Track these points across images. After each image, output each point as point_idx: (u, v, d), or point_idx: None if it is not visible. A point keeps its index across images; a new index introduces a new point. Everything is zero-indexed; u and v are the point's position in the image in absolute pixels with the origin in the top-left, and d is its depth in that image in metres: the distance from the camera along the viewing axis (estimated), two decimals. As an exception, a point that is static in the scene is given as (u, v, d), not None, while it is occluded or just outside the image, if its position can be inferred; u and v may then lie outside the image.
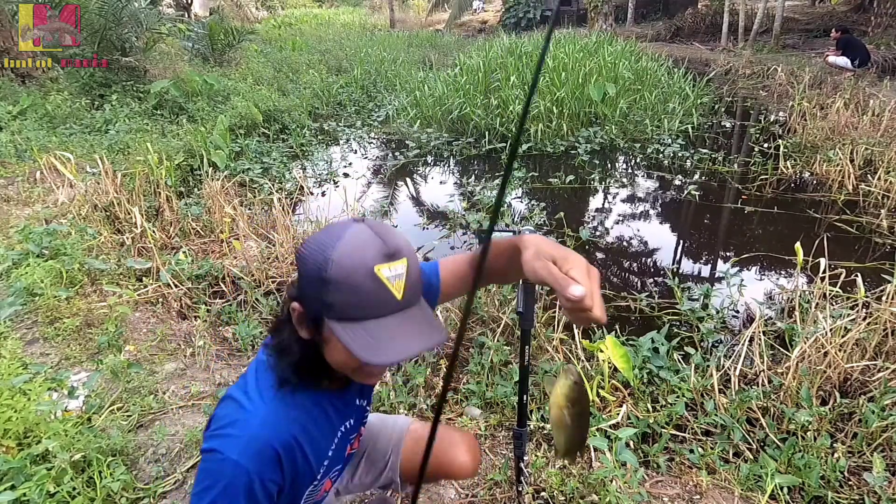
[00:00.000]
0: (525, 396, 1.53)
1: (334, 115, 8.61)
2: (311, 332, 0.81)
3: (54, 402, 2.06)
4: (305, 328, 0.82)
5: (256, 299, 3.19)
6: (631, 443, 2.10)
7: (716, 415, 2.21)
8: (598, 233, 4.50)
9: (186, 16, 16.25)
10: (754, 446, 2.12)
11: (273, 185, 4.82)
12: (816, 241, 3.57)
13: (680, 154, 6.14)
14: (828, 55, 9.33)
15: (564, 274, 0.68)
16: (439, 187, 5.80)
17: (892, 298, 2.60)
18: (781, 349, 2.66)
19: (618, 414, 2.21)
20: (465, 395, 2.43)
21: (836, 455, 1.99)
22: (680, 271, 3.95)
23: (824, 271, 2.74)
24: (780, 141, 6.00)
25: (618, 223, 4.81)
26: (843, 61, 8.96)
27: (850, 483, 1.96)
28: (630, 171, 6.20)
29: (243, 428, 0.86)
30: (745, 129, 7.42)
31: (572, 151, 6.43)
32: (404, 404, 2.32)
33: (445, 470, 1.29)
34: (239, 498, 0.82)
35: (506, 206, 4.86)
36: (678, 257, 4.23)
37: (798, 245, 2.73)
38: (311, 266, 0.75)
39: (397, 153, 6.73)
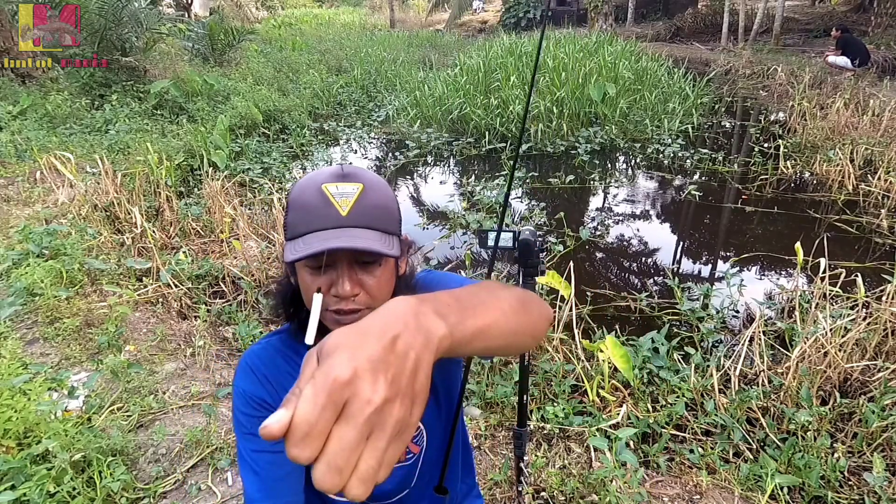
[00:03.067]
0: (525, 396, 1.53)
1: (334, 115, 8.61)
2: (290, 271, 0.83)
3: (54, 402, 2.06)
4: (288, 269, 0.84)
5: (256, 299, 3.19)
6: (631, 443, 2.10)
7: (716, 415, 2.21)
8: (598, 233, 4.50)
9: (186, 16, 16.24)
10: (754, 446, 2.12)
11: (273, 185, 4.82)
12: (816, 241, 3.57)
13: (680, 154, 6.14)
14: (828, 55, 9.34)
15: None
16: (439, 187, 5.80)
17: (892, 298, 2.60)
18: (781, 349, 2.66)
19: (618, 414, 2.21)
20: (465, 394, 2.43)
21: (836, 455, 1.99)
22: (680, 271, 3.95)
23: (824, 271, 2.74)
24: (780, 141, 6.00)
25: (618, 223, 4.81)
26: (843, 61, 8.96)
27: (850, 483, 1.96)
28: (630, 171, 6.20)
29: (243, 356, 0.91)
30: (745, 129, 7.42)
31: (572, 151, 6.43)
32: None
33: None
34: (238, 417, 0.85)
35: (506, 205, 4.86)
36: (678, 257, 4.23)
37: (798, 245, 2.73)
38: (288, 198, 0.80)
39: (397, 153, 6.73)
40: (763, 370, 2.42)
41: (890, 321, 2.54)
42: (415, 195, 5.76)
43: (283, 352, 0.88)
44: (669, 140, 6.54)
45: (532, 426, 2.20)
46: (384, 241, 0.75)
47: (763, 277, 3.78)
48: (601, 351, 2.30)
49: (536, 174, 5.74)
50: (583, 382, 2.40)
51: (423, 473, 0.97)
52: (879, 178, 4.74)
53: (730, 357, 2.55)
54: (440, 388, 0.94)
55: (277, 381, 0.86)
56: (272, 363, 0.87)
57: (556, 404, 2.29)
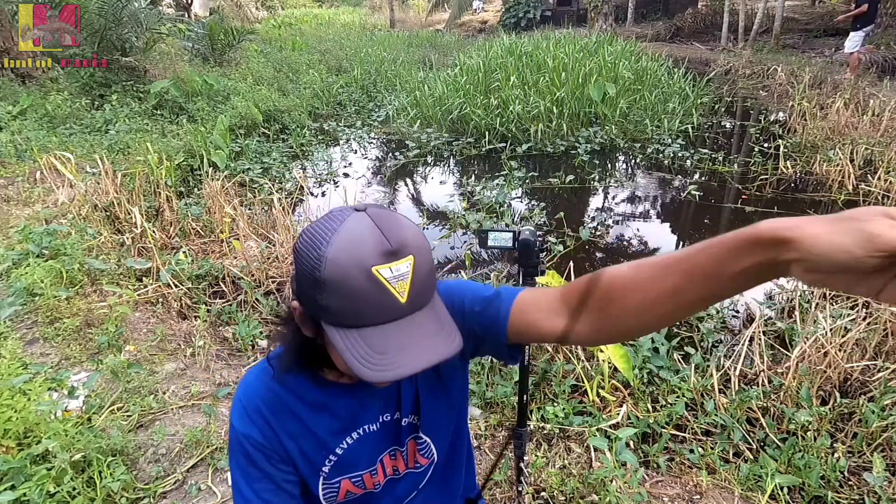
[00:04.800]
0: (525, 396, 1.53)
1: (334, 115, 8.62)
2: (314, 332, 0.74)
3: (54, 402, 2.06)
4: (308, 328, 0.74)
5: (256, 299, 3.19)
6: (631, 443, 2.10)
7: (716, 415, 2.21)
8: (598, 233, 4.50)
9: (186, 16, 16.24)
10: (754, 446, 2.12)
11: (273, 185, 4.82)
12: (816, 241, 3.56)
13: (680, 154, 6.14)
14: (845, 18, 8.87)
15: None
16: (439, 187, 5.80)
17: (892, 298, 2.60)
18: (781, 349, 2.66)
19: (618, 414, 2.21)
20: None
21: (836, 455, 2.00)
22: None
23: (824, 271, 2.73)
24: (780, 141, 6.00)
25: (618, 223, 4.81)
26: (858, 36, 8.58)
27: (850, 483, 1.96)
28: (630, 171, 6.20)
29: (238, 392, 0.86)
30: (745, 129, 7.42)
31: (572, 151, 6.43)
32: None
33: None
34: (239, 457, 0.82)
35: (506, 205, 4.86)
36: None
37: (798, 245, 2.72)
38: (306, 264, 0.66)
39: (397, 153, 6.73)
40: (763, 370, 2.42)
41: (890, 321, 2.54)
42: (415, 195, 5.76)
43: (285, 396, 0.84)
44: (669, 140, 6.54)
45: (532, 426, 2.20)
46: (449, 331, 0.69)
47: (763, 277, 3.78)
48: (601, 351, 2.30)
49: (536, 174, 5.74)
50: (583, 382, 2.40)
51: (432, 476, 0.98)
52: (879, 178, 4.74)
53: (730, 357, 2.55)
54: (452, 394, 0.93)
55: (282, 426, 0.83)
56: (276, 407, 0.83)
57: (556, 404, 2.30)
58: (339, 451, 0.88)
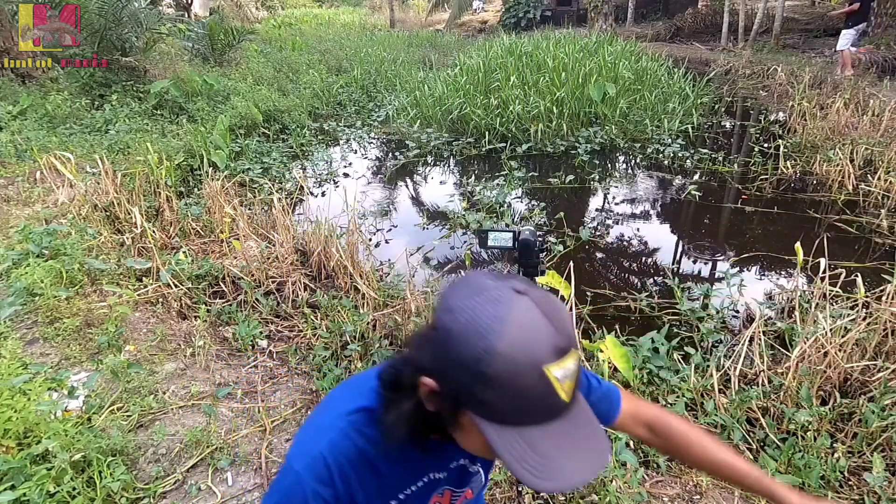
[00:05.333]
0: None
1: (334, 115, 8.62)
2: (442, 411, 0.68)
3: (54, 402, 2.06)
4: (435, 405, 0.69)
5: (256, 299, 3.19)
6: (631, 443, 2.10)
7: (716, 415, 2.21)
8: (598, 233, 4.50)
9: (186, 16, 16.24)
10: (754, 446, 2.12)
11: (273, 185, 4.82)
12: (816, 241, 3.57)
13: (680, 154, 6.14)
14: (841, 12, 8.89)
15: None
16: (439, 187, 5.80)
17: (892, 298, 2.60)
18: (781, 349, 2.66)
19: (618, 414, 2.20)
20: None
21: (836, 455, 2.00)
22: (680, 271, 3.95)
23: (824, 271, 2.74)
24: (780, 141, 6.00)
25: (618, 223, 4.81)
26: (851, 34, 8.65)
27: (850, 483, 1.96)
28: (630, 170, 6.20)
29: (309, 438, 0.79)
30: (745, 129, 7.42)
31: (572, 151, 6.43)
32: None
33: None
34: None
35: (506, 205, 4.86)
36: (678, 257, 4.23)
37: (798, 245, 2.73)
38: (466, 352, 0.60)
39: (397, 153, 6.73)
40: (763, 370, 2.42)
41: (890, 321, 2.54)
42: (415, 195, 5.76)
43: (370, 452, 0.77)
44: (669, 140, 6.54)
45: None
46: (597, 427, 0.67)
47: (763, 277, 3.78)
48: (601, 351, 2.30)
49: (536, 174, 5.74)
50: (583, 382, 2.40)
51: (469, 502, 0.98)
52: (879, 178, 4.74)
53: (730, 357, 2.55)
54: None
55: (360, 482, 0.77)
56: (360, 465, 0.77)
57: (556, 404, 2.29)
58: (401, 496, 0.86)
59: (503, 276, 0.68)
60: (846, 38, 8.65)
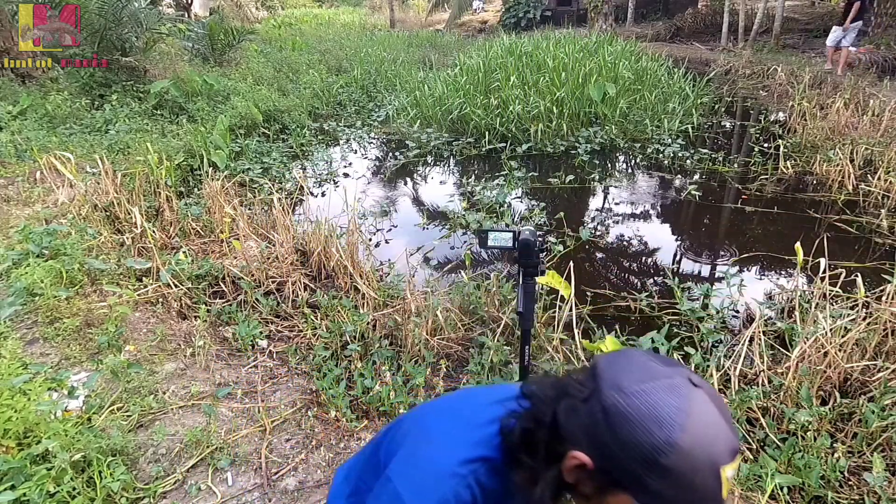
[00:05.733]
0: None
1: (334, 115, 8.62)
2: (585, 486, 0.67)
3: (54, 402, 2.06)
4: (579, 480, 0.67)
5: (256, 299, 3.19)
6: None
7: (716, 415, 2.21)
8: (598, 233, 4.50)
9: (186, 16, 16.24)
10: (754, 446, 2.12)
11: (273, 185, 4.82)
12: (816, 241, 3.57)
13: (680, 154, 6.14)
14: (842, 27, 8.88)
15: None
16: (439, 187, 5.80)
17: (892, 298, 2.60)
18: (781, 349, 2.66)
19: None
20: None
21: (836, 455, 1.99)
22: (680, 271, 3.95)
23: (824, 271, 2.74)
24: (780, 141, 6.00)
25: (618, 223, 4.81)
26: (849, 38, 8.70)
27: (850, 483, 1.96)
28: (630, 171, 6.20)
29: (430, 480, 0.76)
30: (745, 129, 7.43)
31: (572, 151, 6.43)
32: (404, 404, 2.32)
33: None
34: None
35: (506, 205, 4.86)
36: (678, 257, 4.23)
37: (798, 245, 2.73)
38: (644, 438, 0.60)
39: (397, 153, 6.73)
40: (763, 370, 2.42)
41: (890, 321, 2.54)
42: (415, 195, 5.76)
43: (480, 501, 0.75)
44: (669, 140, 6.54)
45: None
46: None
47: (763, 277, 3.78)
48: (601, 351, 2.30)
49: (536, 174, 5.74)
50: (583, 382, 2.40)
51: None
52: (879, 178, 4.74)
53: (730, 357, 2.55)
54: None
55: None
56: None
57: (556, 404, 2.29)
58: None
59: (669, 361, 0.68)
60: (836, 34, 8.74)
